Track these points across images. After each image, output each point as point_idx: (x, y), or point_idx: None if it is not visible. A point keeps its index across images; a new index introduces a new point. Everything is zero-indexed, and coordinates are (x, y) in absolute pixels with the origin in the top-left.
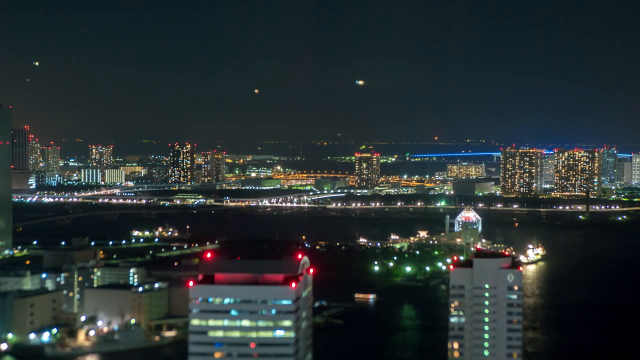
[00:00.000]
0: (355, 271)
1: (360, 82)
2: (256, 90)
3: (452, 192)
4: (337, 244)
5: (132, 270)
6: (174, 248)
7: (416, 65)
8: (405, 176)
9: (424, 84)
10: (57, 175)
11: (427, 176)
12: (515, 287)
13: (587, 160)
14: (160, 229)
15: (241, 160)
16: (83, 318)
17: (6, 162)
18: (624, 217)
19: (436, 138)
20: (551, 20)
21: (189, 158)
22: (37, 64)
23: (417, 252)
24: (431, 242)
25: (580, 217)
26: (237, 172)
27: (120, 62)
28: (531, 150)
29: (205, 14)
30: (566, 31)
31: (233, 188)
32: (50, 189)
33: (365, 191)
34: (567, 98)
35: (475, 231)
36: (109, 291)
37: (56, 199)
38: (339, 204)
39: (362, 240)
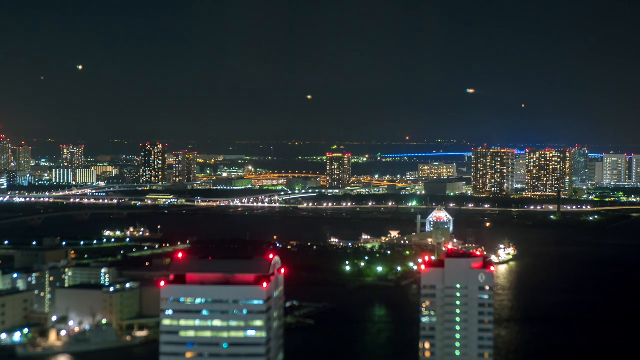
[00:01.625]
0: (327, 271)
1: (471, 90)
2: (309, 97)
3: (423, 192)
4: (309, 244)
5: (103, 270)
6: (146, 248)
7: (388, 65)
8: (376, 176)
9: (395, 84)
10: (28, 175)
11: (399, 176)
12: (487, 287)
13: (559, 160)
14: (131, 229)
15: (212, 160)
16: (54, 318)
17: None
18: (596, 217)
19: (407, 138)
20: (522, 21)
21: (161, 158)
22: (80, 67)
23: (389, 252)
24: (402, 242)
25: (552, 217)
26: (208, 172)
27: (92, 62)
28: (502, 150)
29: (176, 13)
30: (538, 32)
31: (204, 188)
32: (21, 189)
33: (337, 191)
34: (539, 98)
35: (446, 231)
36: (81, 291)
37: (27, 199)
38: (311, 204)
39: (334, 240)
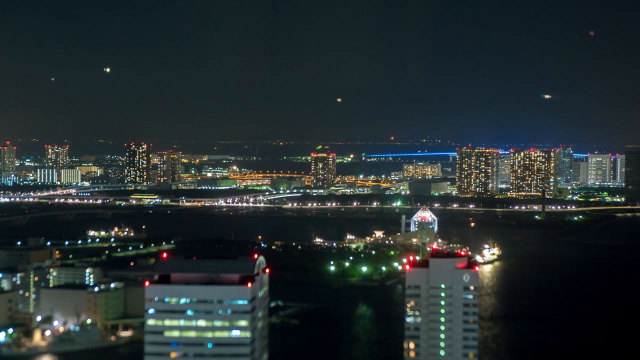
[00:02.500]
0: (311, 271)
1: (547, 96)
2: (339, 100)
3: (408, 192)
4: (293, 244)
5: (88, 270)
6: (130, 248)
7: (372, 65)
8: (361, 176)
9: (380, 84)
10: (13, 175)
11: (383, 176)
12: (471, 287)
13: (543, 160)
14: (116, 229)
15: (197, 160)
16: (39, 318)
17: None
18: (580, 217)
19: (392, 138)
20: (506, 22)
21: (145, 158)
22: (108, 70)
23: (373, 252)
24: (387, 242)
25: (536, 217)
26: (193, 172)
27: (76, 62)
28: (487, 150)
29: (160, 13)
30: (522, 32)
31: (189, 188)
32: (6, 189)
33: (321, 191)
34: (523, 98)
35: (431, 231)
36: (65, 291)
37: (12, 199)
38: (295, 204)
39: (318, 240)
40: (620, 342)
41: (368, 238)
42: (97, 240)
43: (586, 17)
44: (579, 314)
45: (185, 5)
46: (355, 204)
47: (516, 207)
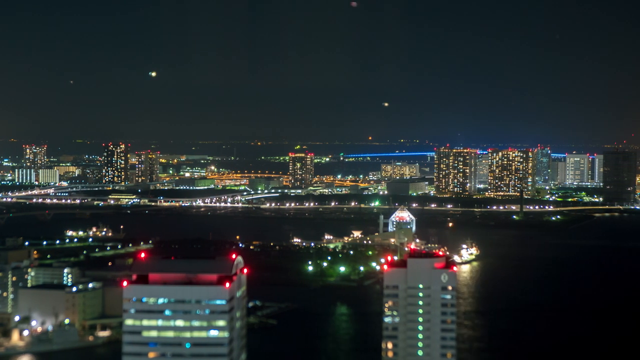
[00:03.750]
0: (289, 271)
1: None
2: (386, 104)
3: (386, 192)
4: (271, 244)
5: (66, 270)
6: (108, 248)
7: (350, 65)
8: (339, 176)
9: (358, 84)
10: None
11: (361, 176)
12: (449, 287)
13: (521, 160)
14: (94, 229)
15: (175, 160)
16: (17, 318)
17: None
18: (558, 217)
19: (370, 138)
20: (484, 23)
21: (123, 158)
22: (154, 74)
23: (351, 252)
24: (365, 242)
25: (514, 217)
26: (171, 172)
27: (54, 62)
28: (465, 150)
29: (137, 12)
30: (500, 34)
31: (167, 188)
32: None
33: (299, 191)
34: (502, 98)
35: (409, 231)
36: (43, 291)
37: None
38: (273, 204)
39: (296, 240)
40: (594, 334)
41: (346, 238)
42: (75, 240)
43: (563, 18)
44: (555, 309)
45: (162, 4)
46: (333, 204)
47: (494, 207)
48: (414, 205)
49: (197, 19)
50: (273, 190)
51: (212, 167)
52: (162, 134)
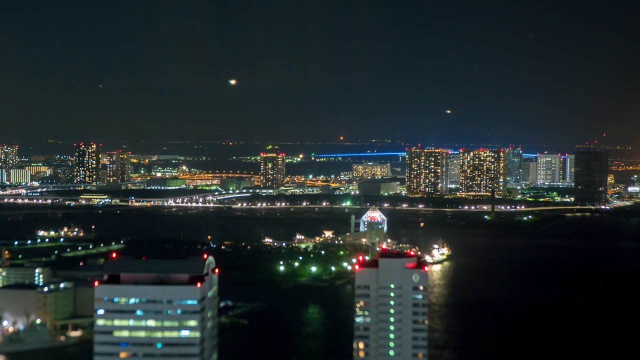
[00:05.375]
0: (261, 271)
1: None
2: (448, 111)
3: (357, 192)
4: (243, 244)
5: (37, 270)
6: (80, 248)
7: (321, 66)
8: (310, 176)
9: (329, 84)
10: None
11: (333, 176)
12: (421, 287)
13: (493, 160)
14: (65, 229)
15: (146, 161)
16: None
17: None
18: (530, 217)
19: (342, 138)
20: (454, 24)
21: (94, 158)
22: (233, 82)
23: (323, 252)
24: (337, 242)
25: (486, 217)
26: (142, 172)
27: (25, 62)
28: (436, 150)
29: (110, 13)
30: (470, 35)
31: (138, 188)
32: None
33: (271, 191)
34: (472, 98)
35: (380, 231)
36: (15, 291)
37: None
38: (245, 204)
39: (268, 240)
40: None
41: (317, 238)
42: (47, 240)
43: (534, 18)
44: (522, 304)
45: (133, 7)
46: (304, 204)
47: (465, 207)
48: (385, 205)
49: (168, 20)
50: (244, 190)
51: (184, 167)
52: (133, 134)
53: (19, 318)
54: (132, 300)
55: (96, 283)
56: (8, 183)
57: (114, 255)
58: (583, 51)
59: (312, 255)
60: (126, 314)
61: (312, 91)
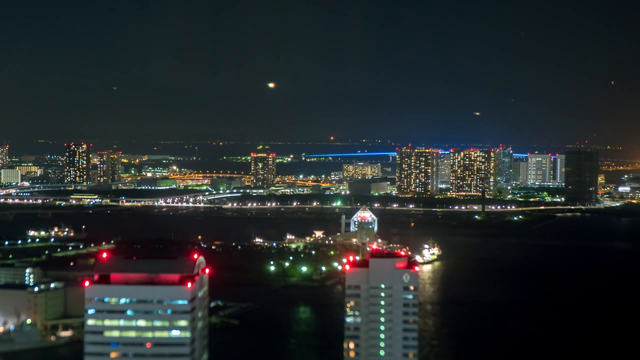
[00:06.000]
0: (251, 271)
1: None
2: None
3: (348, 192)
4: (233, 244)
5: (28, 270)
6: (70, 248)
7: (312, 65)
8: (301, 176)
9: (319, 84)
10: None
11: (323, 176)
12: (411, 287)
13: (483, 160)
14: (56, 229)
15: (137, 160)
16: None
17: None
18: (520, 217)
19: (332, 138)
20: (445, 24)
21: (85, 158)
22: (272, 85)
23: (313, 252)
24: (327, 242)
25: (476, 217)
26: (133, 172)
27: (15, 61)
28: (427, 150)
29: (102, 12)
30: (461, 34)
31: (129, 188)
32: None
33: (261, 191)
34: (463, 98)
35: (371, 231)
36: (5, 291)
37: None
38: (235, 204)
39: (258, 240)
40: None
41: (308, 238)
42: (37, 240)
43: (525, 19)
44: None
45: (124, 6)
46: (295, 204)
47: (456, 207)
48: (375, 205)
49: (159, 20)
50: (235, 190)
51: (174, 167)
52: (124, 134)
53: (9, 318)
54: (122, 300)
55: (87, 283)
56: None
57: (105, 255)
58: (574, 51)
59: (302, 255)
60: (117, 314)
61: (303, 91)
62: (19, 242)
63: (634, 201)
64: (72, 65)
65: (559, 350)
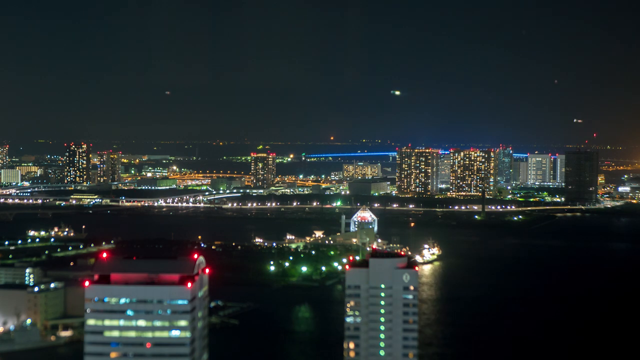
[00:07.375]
0: (251, 271)
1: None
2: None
3: (348, 192)
4: (233, 244)
5: (28, 270)
6: (70, 248)
7: (312, 65)
8: (301, 176)
9: (319, 84)
10: None
11: (323, 176)
12: (411, 287)
13: (483, 160)
14: (56, 229)
15: (137, 160)
16: None
17: None
18: (520, 217)
19: (332, 138)
20: (445, 23)
21: (85, 158)
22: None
23: (313, 252)
24: (327, 242)
25: (476, 217)
26: (132, 172)
27: (16, 62)
28: (427, 150)
29: (100, 12)
30: (459, 33)
31: (129, 188)
32: None
33: (261, 191)
34: (463, 98)
35: (371, 231)
36: (5, 291)
37: None
38: (235, 204)
39: (258, 240)
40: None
41: (308, 238)
42: (37, 240)
43: (525, 18)
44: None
45: (125, 7)
46: (295, 204)
47: (456, 207)
48: (375, 205)
49: (159, 20)
50: (235, 190)
51: (174, 167)
52: (124, 134)
53: (10, 318)
54: (122, 300)
55: (87, 283)
56: None
57: (105, 255)
58: (574, 51)
59: (302, 255)
60: (116, 314)
61: (303, 91)
62: (19, 242)
63: (634, 201)
64: (72, 65)
65: (559, 350)
